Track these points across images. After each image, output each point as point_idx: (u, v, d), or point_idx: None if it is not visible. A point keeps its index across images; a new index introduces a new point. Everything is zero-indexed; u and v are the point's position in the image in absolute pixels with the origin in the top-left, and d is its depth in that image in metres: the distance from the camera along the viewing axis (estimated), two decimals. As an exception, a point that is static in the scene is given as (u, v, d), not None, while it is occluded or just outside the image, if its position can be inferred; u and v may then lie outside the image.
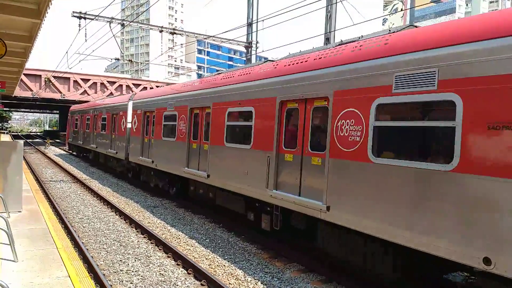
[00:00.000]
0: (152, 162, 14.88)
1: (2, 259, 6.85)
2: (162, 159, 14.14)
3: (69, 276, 6.24)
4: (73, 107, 34.83)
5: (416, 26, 6.84)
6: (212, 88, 11.24)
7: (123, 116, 19.00)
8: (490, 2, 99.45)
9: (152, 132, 15.32)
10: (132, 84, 52.02)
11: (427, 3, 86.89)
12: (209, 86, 11.48)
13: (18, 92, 42.61)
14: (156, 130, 14.74)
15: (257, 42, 21.04)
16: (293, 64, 8.41)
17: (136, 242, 9.82)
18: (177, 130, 13.06)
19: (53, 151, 39.81)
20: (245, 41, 21.43)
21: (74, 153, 34.05)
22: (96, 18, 18.76)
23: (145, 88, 47.83)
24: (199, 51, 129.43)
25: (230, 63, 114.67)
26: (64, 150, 39.71)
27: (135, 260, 8.47)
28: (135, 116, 17.36)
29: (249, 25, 20.42)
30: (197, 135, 12.00)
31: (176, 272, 7.85)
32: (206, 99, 11.42)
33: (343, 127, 6.72)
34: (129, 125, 18.14)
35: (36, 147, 43.08)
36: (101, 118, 23.31)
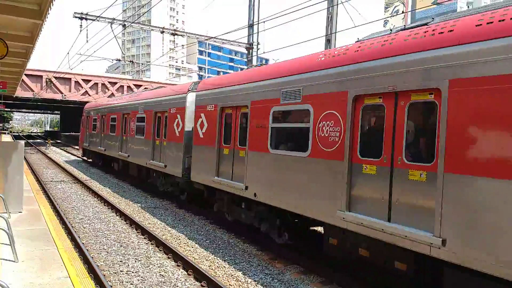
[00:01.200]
0: (246, 188, 9.37)
1: (2, 259, 6.85)
2: (272, 187, 8.58)
3: (69, 277, 6.24)
4: (90, 105, 28.24)
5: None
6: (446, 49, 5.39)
7: (176, 114, 13.52)
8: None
9: (241, 140, 9.87)
10: (133, 84, 52.12)
11: (428, 5, 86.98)
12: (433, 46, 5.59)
13: (19, 92, 42.72)
14: (255, 137, 9.19)
15: (258, 44, 21.07)
16: None
17: (137, 243, 9.82)
18: (314, 137, 7.41)
19: (62, 155, 39.71)
20: (246, 42, 21.45)
21: (90, 160, 27.68)
22: (98, 19, 18.80)
23: (145, 89, 47.91)
24: (200, 52, 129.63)
25: (231, 64, 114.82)
26: (72, 154, 38.86)
27: (135, 261, 8.47)
28: (201, 114, 11.64)
29: (250, 26, 20.44)
30: (380, 148, 6.18)
31: (176, 273, 7.85)
32: (415, 74, 5.72)
33: None
34: (188, 128, 12.90)
35: (37, 147, 43.12)
36: (135, 118, 17.46)
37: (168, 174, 14.18)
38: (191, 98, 12.95)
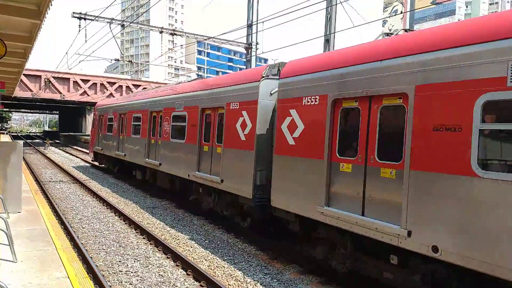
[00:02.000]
0: (408, 234, 5.63)
1: (1, 259, 6.84)
2: (493, 243, 4.70)
3: (68, 277, 6.24)
4: (104, 102, 24.86)
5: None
6: None
7: (241, 111, 9.94)
8: (490, 4, 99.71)
9: (384, 151, 6.26)
10: (132, 84, 52.17)
11: (427, 5, 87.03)
12: None
13: (18, 92, 42.74)
14: (427, 147, 5.50)
15: (257, 43, 21.07)
16: None
17: (136, 243, 9.82)
18: None
19: (61, 155, 39.65)
20: (245, 42, 21.45)
21: (103, 165, 24.10)
22: (96, 19, 18.78)
23: (144, 89, 47.88)
24: (199, 52, 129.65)
25: (230, 64, 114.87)
26: (71, 155, 38.44)
27: (134, 261, 8.47)
28: (291, 111, 8.07)
29: (249, 26, 20.44)
30: None
31: (176, 273, 7.85)
32: None
33: None
34: (260, 130, 9.31)
35: (36, 147, 43.08)
36: (170, 116, 13.95)
37: (225, 192, 10.49)
38: (266, 87, 9.41)
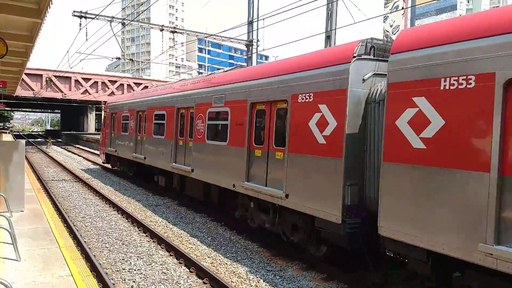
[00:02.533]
0: None
1: (4, 258, 6.87)
2: None
3: (72, 275, 6.26)
4: (117, 99, 22.24)
5: None
6: None
7: (316, 105, 7.52)
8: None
9: None
10: (133, 83, 52.24)
11: (428, 1, 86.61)
12: None
13: (20, 91, 42.85)
14: None
15: (257, 40, 21.04)
16: None
17: (139, 240, 9.85)
18: None
19: (63, 154, 39.76)
20: (246, 39, 21.42)
21: (116, 168, 21.69)
22: (97, 17, 18.77)
23: (146, 87, 47.78)
24: (200, 50, 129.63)
25: (231, 61, 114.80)
26: (73, 153, 38.86)
27: (137, 259, 8.49)
28: (418, 99, 5.60)
29: (250, 23, 20.40)
30: None
31: (179, 271, 7.87)
32: None
33: None
34: (351, 129, 6.91)
35: (38, 146, 43.17)
36: (206, 113, 11.55)
37: (291, 210, 8.16)
38: (358, 71, 6.96)
